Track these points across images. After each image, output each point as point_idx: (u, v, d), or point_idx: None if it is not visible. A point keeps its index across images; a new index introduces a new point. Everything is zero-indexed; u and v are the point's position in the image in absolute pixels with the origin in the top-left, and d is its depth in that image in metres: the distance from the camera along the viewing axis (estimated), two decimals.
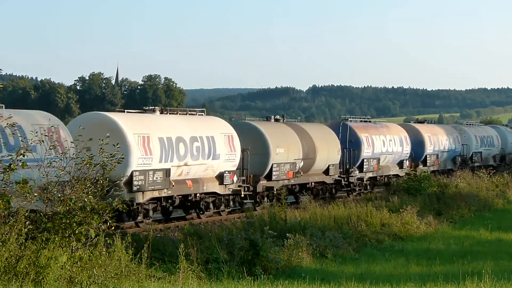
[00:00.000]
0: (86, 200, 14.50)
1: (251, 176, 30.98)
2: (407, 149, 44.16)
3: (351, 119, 41.31)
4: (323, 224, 24.50)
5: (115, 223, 15.08)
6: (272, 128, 33.23)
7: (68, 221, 14.09)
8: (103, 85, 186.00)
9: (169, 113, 28.74)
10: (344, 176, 37.96)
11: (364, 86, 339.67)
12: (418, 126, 48.18)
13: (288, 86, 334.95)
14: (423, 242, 24.29)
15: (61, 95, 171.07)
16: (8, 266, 12.89)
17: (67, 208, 14.30)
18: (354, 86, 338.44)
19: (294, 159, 33.09)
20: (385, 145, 41.88)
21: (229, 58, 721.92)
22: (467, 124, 59.49)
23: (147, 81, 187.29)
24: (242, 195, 29.72)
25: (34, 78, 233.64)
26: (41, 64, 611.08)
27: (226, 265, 17.45)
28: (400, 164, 43.79)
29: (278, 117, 35.91)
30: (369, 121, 43.77)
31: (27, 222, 13.68)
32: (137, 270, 14.65)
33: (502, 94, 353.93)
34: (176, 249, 17.11)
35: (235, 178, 29.41)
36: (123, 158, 17.35)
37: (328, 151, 36.26)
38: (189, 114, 29.54)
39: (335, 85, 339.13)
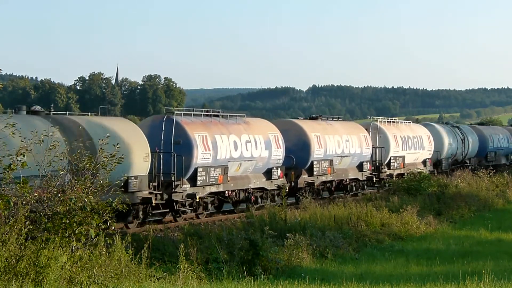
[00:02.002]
0: (86, 200, 14.49)
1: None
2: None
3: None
4: (323, 224, 24.50)
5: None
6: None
7: (68, 221, 14.08)
8: (103, 85, 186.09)
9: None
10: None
11: (364, 86, 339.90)
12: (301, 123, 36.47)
13: (288, 86, 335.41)
14: (423, 242, 24.28)
15: (61, 95, 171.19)
16: (8, 266, 12.88)
17: (67, 208, 14.29)
18: (354, 86, 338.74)
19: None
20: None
21: (229, 58, 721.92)
22: (383, 121, 43.66)
23: (147, 81, 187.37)
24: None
25: (34, 78, 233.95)
26: (41, 64, 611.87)
27: (226, 265, 17.45)
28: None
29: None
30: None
31: (27, 222, 13.67)
32: (137, 270, 14.64)
33: (502, 94, 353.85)
34: (176, 249, 17.11)
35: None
36: (123, 158, 17.36)
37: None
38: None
39: (335, 85, 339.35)
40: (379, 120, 42.86)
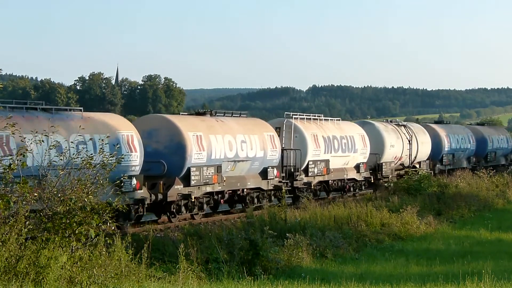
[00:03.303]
0: (86, 200, 14.49)
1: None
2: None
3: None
4: (323, 224, 24.51)
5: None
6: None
7: (68, 221, 14.08)
8: (103, 85, 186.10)
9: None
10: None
11: (364, 86, 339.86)
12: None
13: (288, 86, 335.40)
14: (423, 242, 24.28)
15: (61, 95, 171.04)
16: (8, 266, 12.88)
17: (67, 208, 14.30)
18: (354, 86, 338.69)
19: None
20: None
21: (229, 58, 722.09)
22: (300, 119, 35.68)
23: (147, 81, 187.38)
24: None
25: (34, 78, 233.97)
26: (41, 64, 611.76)
27: (226, 265, 17.45)
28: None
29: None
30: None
31: (27, 222, 13.67)
32: (137, 270, 14.64)
33: (502, 94, 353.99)
34: (176, 249, 17.11)
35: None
36: (123, 158, 17.39)
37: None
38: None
39: (335, 85, 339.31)
40: (294, 116, 34.84)
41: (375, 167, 40.76)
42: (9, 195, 13.68)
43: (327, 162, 35.35)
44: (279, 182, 31.80)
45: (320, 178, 35.15)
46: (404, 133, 44.28)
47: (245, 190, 30.28)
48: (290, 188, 32.61)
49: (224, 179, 28.42)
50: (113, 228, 15.05)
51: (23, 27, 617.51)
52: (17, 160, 14.71)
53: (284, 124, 33.83)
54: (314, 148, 34.33)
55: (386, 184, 39.07)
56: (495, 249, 22.69)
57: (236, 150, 29.25)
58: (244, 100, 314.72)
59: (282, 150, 32.41)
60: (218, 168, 27.93)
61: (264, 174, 31.14)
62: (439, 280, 16.26)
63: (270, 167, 31.31)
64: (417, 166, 45.72)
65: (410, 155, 44.95)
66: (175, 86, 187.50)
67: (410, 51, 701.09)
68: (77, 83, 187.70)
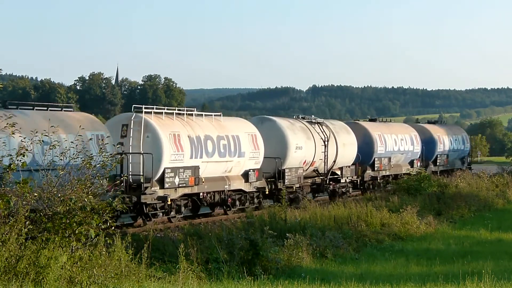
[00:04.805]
0: (86, 200, 14.50)
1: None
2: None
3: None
4: (323, 224, 24.51)
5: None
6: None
7: (68, 221, 14.09)
8: (103, 85, 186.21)
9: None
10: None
11: (364, 86, 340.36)
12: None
13: (288, 86, 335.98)
14: (423, 242, 24.29)
15: (61, 95, 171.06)
16: (8, 266, 12.88)
17: (67, 208, 14.30)
18: (354, 86, 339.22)
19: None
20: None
21: (229, 58, 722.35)
22: (157, 113, 27.46)
23: (147, 81, 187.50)
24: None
25: (34, 78, 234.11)
26: (41, 64, 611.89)
27: (226, 265, 17.44)
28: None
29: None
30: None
31: (27, 222, 13.68)
32: (137, 270, 14.65)
33: (502, 94, 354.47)
34: (176, 249, 17.11)
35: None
36: (122, 158, 17.37)
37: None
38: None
39: (335, 85, 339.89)
40: (146, 111, 26.51)
41: (274, 175, 32.49)
42: (9, 195, 13.68)
43: (195, 169, 27.04)
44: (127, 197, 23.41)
45: (186, 191, 26.98)
46: (319, 133, 35.85)
47: None
48: (131, 205, 24.58)
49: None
50: (113, 228, 15.06)
51: (23, 27, 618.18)
52: (17, 160, 14.72)
53: (132, 121, 25.96)
54: (174, 151, 26.10)
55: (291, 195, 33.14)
56: (495, 249, 22.69)
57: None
58: (244, 100, 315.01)
59: (123, 153, 23.87)
60: None
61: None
62: (439, 280, 16.27)
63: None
64: (338, 172, 37.67)
65: (326, 159, 36.16)
66: (175, 86, 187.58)
67: (410, 51, 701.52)
68: (77, 83, 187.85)
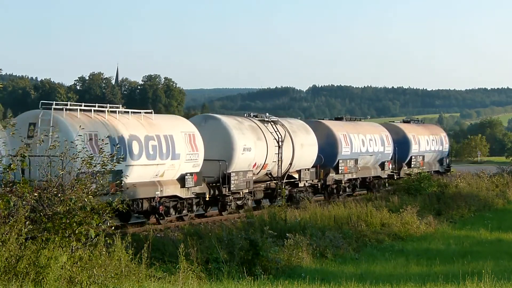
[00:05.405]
0: (86, 200, 14.50)
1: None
2: None
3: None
4: (323, 224, 24.50)
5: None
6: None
7: (68, 221, 14.09)
8: (103, 85, 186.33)
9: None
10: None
11: (364, 86, 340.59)
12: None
13: (288, 86, 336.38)
14: (423, 242, 24.28)
15: (61, 95, 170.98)
16: (8, 266, 12.88)
17: (67, 208, 14.30)
18: (354, 86, 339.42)
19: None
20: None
21: (229, 58, 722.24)
22: (71, 110, 24.88)
23: (147, 81, 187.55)
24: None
25: (34, 78, 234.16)
26: (41, 64, 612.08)
27: (226, 265, 17.44)
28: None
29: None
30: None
31: (27, 222, 13.68)
32: (137, 270, 14.64)
33: (502, 94, 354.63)
34: (176, 249, 17.11)
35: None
36: (122, 158, 17.36)
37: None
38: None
39: (335, 85, 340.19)
40: (56, 107, 23.30)
41: (218, 180, 29.20)
42: (9, 195, 13.68)
43: (117, 174, 22.59)
44: None
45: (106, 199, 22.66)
46: (272, 132, 32.54)
47: None
48: None
49: None
50: (113, 228, 15.06)
51: (23, 27, 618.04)
52: (17, 160, 14.72)
53: (40, 119, 22.84)
54: (90, 154, 20.25)
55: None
56: (495, 249, 22.69)
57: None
58: (244, 100, 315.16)
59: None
60: None
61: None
62: (439, 280, 16.26)
63: None
64: (296, 176, 34.39)
65: (280, 161, 32.72)
66: (175, 86, 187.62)
67: (410, 51, 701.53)
68: (77, 83, 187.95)
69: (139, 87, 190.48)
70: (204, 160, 27.90)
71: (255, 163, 31.12)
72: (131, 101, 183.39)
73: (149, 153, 25.08)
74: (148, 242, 15.72)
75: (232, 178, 29.21)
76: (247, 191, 30.57)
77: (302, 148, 34.31)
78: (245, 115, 33.36)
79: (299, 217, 24.66)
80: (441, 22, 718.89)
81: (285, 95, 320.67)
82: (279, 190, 32.26)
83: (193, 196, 27.59)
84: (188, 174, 26.80)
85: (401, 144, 45.15)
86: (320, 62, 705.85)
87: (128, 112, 25.72)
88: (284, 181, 33.17)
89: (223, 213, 28.84)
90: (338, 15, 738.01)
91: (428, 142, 49.46)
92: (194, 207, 28.18)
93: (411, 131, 47.71)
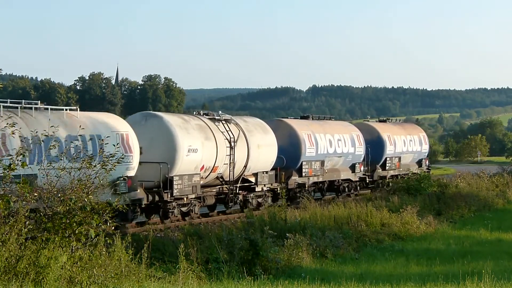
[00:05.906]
0: (86, 200, 14.49)
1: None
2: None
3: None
4: (323, 224, 24.50)
5: None
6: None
7: (68, 221, 14.09)
8: (103, 85, 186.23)
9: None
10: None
11: (364, 86, 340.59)
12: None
13: (288, 86, 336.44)
14: (423, 242, 24.28)
15: (61, 95, 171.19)
16: (8, 266, 12.87)
17: (67, 208, 14.30)
18: (354, 86, 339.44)
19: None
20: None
21: (229, 58, 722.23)
22: None
23: (147, 81, 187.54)
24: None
25: (34, 78, 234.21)
26: (41, 64, 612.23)
27: (226, 265, 17.44)
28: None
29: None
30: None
31: (27, 222, 13.67)
32: (137, 270, 14.64)
33: (502, 94, 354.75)
34: (176, 249, 17.11)
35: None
36: (122, 158, 17.35)
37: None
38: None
39: (335, 85, 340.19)
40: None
41: (159, 184, 26.15)
42: (9, 195, 13.67)
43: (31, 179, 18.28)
44: None
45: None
46: (223, 132, 29.57)
47: None
48: None
49: None
50: (113, 228, 15.05)
51: (23, 27, 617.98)
52: (17, 160, 14.71)
53: None
54: None
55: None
56: (495, 249, 22.69)
57: None
58: (244, 100, 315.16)
59: None
60: None
61: None
62: (439, 280, 16.26)
63: None
64: (252, 179, 31.43)
65: (232, 164, 29.68)
66: (175, 86, 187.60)
67: (410, 51, 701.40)
68: (77, 83, 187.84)
69: (139, 87, 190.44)
70: (143, 162, 25.16)
71: (203, 166, 28.09)
72: (131, 101, 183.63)
73: (71, 156, 19.80)
74: (148, 242, 15.72)
75: (175, 182, 26.24)
76: (193, 197, 27.62)
77: (258, 149, 31.37)
78: (194, 113, 30.33)
79: (299, 217, 24.66)
80: (441, 22, 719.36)
81: (285, 95, 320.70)
82: (231, 195, 29.99)
83: (128, 202, 23.43)
84: (121, 179, 23.49)
85: (375, 145, 42.32)
86: (320, 62, 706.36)
87: (47, 109, 22.57)
88: (238, 185, 30.42)
89: (165, 221, 26.41)
90: (338, 15, 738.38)
91: (405, 142, 46.53)
92: (129, 215, 24.86)
93: (386, 131, 44.62)
